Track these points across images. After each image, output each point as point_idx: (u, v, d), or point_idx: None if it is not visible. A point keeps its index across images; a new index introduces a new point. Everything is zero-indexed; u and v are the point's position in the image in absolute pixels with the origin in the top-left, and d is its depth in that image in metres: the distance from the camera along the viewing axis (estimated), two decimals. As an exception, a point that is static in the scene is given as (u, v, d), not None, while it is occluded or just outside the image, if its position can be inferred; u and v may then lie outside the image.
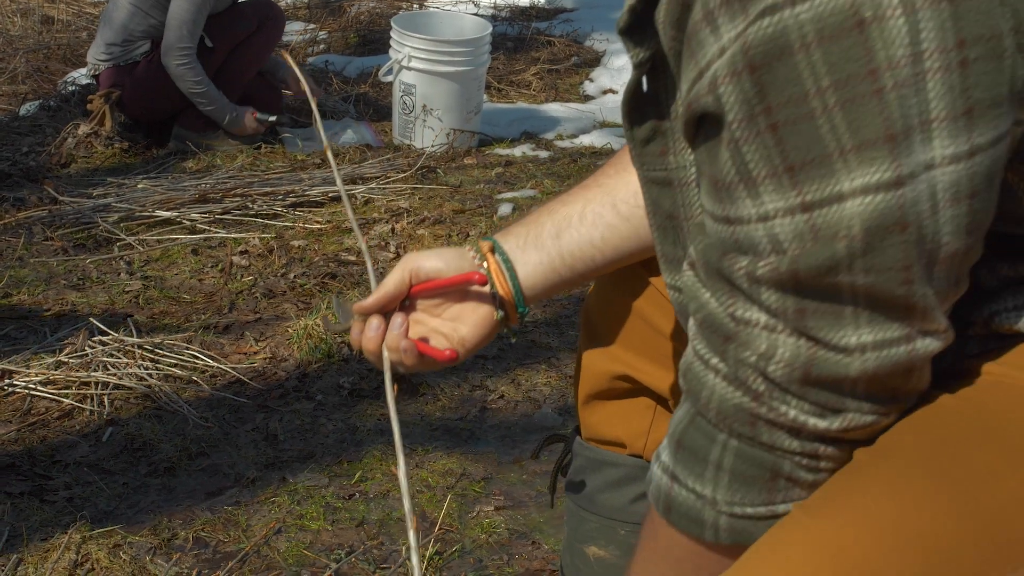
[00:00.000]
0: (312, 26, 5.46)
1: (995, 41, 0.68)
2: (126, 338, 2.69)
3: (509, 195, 3.73)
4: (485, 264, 1.21)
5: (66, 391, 2.51)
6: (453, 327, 1.22)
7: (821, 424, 0.78)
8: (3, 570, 1.92)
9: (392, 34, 4.08)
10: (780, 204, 0.73)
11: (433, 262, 1.21)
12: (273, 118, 4.07)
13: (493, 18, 5.50)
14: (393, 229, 3.45)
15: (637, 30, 0.81)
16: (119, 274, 3.17)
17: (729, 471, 0.83)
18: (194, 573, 1.93)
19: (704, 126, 0.75)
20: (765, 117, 0.71)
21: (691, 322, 0.83)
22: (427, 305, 1.23)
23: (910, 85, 0.68)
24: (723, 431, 0.83)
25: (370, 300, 1.22)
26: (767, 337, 0.77)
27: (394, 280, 1.21)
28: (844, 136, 0.69)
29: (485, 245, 1.22)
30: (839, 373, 0.75)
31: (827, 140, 0.70)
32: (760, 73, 0.70)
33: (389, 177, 3.83)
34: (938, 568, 0.73)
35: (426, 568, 1.92)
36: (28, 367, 2.59)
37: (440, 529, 2.05)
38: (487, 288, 1.20)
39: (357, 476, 2.25)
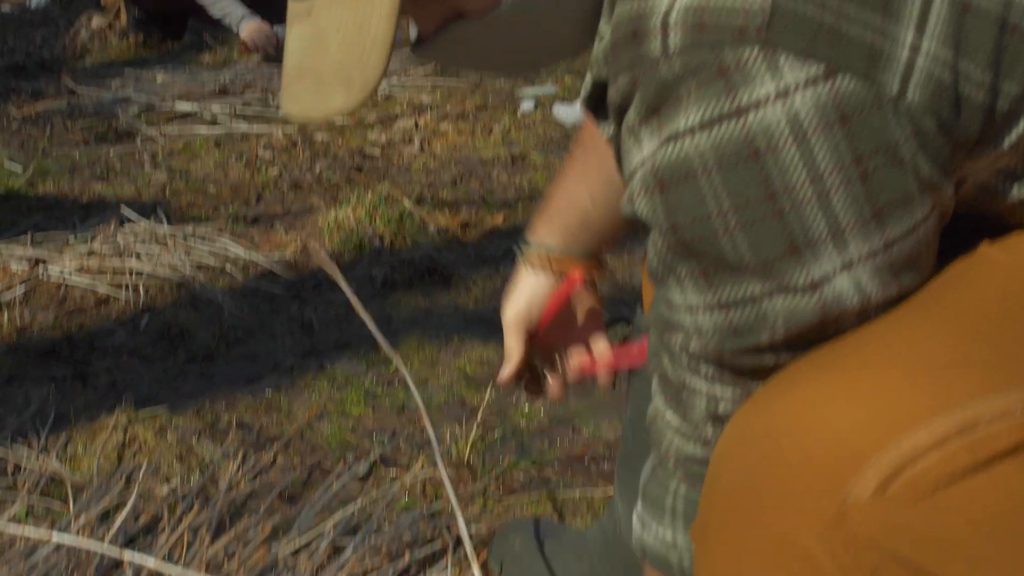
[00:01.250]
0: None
1: (892, 150, 0.70)
2: (157, 227, 2.69)
3: (531, 91, 3.70)
4: (551, 268, 1.25)
5: (100, 279, 2.52)
6: (588, 339, 1.27)
7: None
8: (53, 449, 1.95)
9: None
10: (700, 300, 0.77)
11: (523, 302, 1.26)
12: None
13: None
14: (416, 124, 3.44)
15: (601, 109, 0.86)
16: (143, 166, 3.16)
17: (683, 516, 0.89)
18: (240, 455, 1.95)
19: (638, 223, 0.80)
20: (673, 234, 0.76)
21: (654, 379, 0.89)
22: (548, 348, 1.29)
23: (812, 203, 0.71)
24: (675, 478, 0.89)
25: (507, 371, 1.28)
26: (709, 401, 0.82)
27: (514, 340, 1.26)
28: (747, 255, 0.73)
29: (534, 255, 1.26)
30: None
31: (731, 256, 0.74)
32: (668, 193, 0.74)
33: (409, 73, 3.80)
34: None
35: (469, 452, 1.95)
36: (61, 255, 2.59)
37: (481, 416, 2.07)
38: (583, 283, 1.24)
39: (394, 364, 2.26)
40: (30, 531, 1.45)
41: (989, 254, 0.74)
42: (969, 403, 0.66)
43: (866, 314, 0.73)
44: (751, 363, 0.76)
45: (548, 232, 1.27)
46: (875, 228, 0.71)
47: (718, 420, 0.81)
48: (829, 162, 0.70)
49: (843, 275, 0.71)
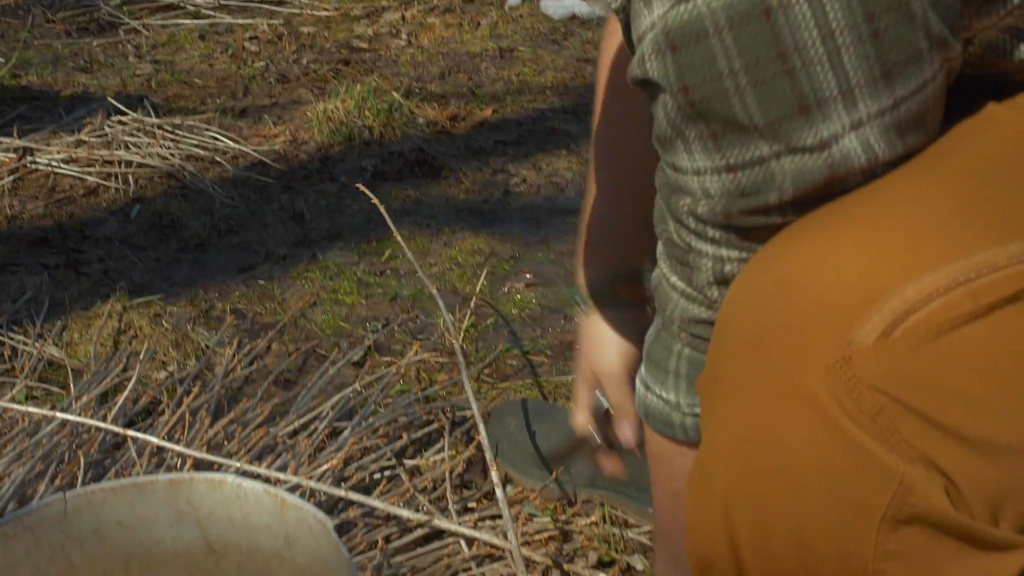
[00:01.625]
0: None
1: (904, 6, 0.70)
2: (145, 118, 2.67)
3: (519, -16, 3.66)
4: (624, 298, 1.22)
5: (89, 169, 2.51)
6: None
7: None
8: (50, 336, 1.96)
9: None
10: (708, 164, 0.77)
11: (614, 348, 1.22)
12: None
13: None
14: (403, 17, 3.40)
15: None
16: (127, 58, 3.12)
17: (685, 377, 0.91)
18: (235, 342, 1.97)
19: (646, 87, 0.80)
20: (684, 95, 0.75)
21: (659, 244, 0.89)
22: None
23: (823, 61, 0.71)
24: (679, 342, 0.90)
25: (581, 419, 1.27)
26: (715, 263, 0.82)
27: (623, 392, 1.21)
28: (756, 114, 0.73)
29: (599, 294, 1.24)
30: None
31: (741, 117, 0.74)
32: (679, 54, 0.74)
33: (395, -36, 3.74)
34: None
35: (462, 339, 1.97)
36: (48, 145, 2.58)
37: (473, 304, 2.09)
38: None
39: (387, 254, 2.28)
40: (33, 410, 1.47)
41: (996, 113, 0.75)
42: (973, 253, 0.67)
43: (872, 172, 0.74)
44: (759, 223, 0.77)
45: (601, 264, 1.24)
46: (884, 87, 0.72)
47: (724, 282, 0.82)
48: (841, 20, 0.70)
49: (851, 134, 0.72)
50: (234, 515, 1.01)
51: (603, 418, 1.27)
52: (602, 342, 1.24)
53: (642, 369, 0.96)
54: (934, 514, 0.66)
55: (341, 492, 1.45)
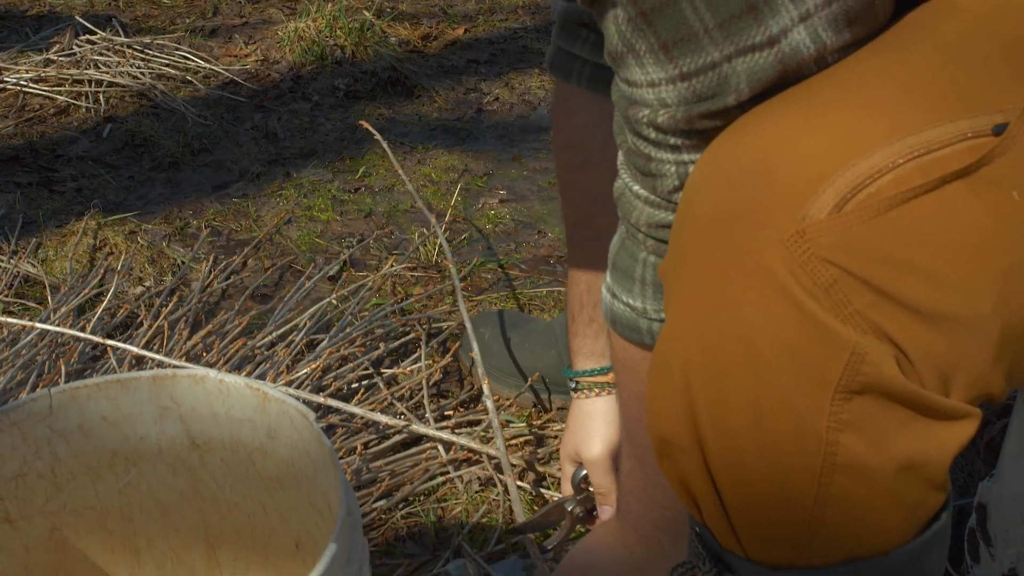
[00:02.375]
0: None
1: None
2: (114, 38, 2.65)
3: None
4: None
5: (59, 89, 2.49)
6: None
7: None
8: (24, 252, 1.96)
9: None
10: (662, 75, 0.78)
11: (605, 435, 1.27)
12: None
13: None
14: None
15: None
16: (95, -23, 3.08)
17: (651, 284, 0.93)
18: (211, 258, 1.98)
19: (595, 5, 0.80)
20: (634, 5, 0.76)
21: (619, 153, 0.90)
22: None
23: None
24: (644, 249, 0.92)
25: (565, 490, 1.31)
26: (679, 168, 0.84)
27: (608, 479, 1.27)
28: (706, 16, 0.74)
29: (591, 383, 1.29)
30: None
31: (692, 21, 0.74)
32: None
33: None
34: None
35: (436, 254, 1.99)
36: (16, 64, 2.55)
37: (448, 218, 2.11)
38: None
39: (360, 172, 2.28)
40: (12, 320, 1.48)
41: (957, 1, 0.76)
42: (924, 129, 0.68)
43: (824, 61, 0.75)
44: (721, 125, 0.78)
45: (589, 353, 1.29)
46: None
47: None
48: None
49: (799, 27, 0.73)
50: (217, 410, 1.03)
51: (583, 491, 1.32)
52: (589, 429, 1.29)
53: (607, 278, 0.98)
54: (885, 383, 0.67)
55: (320, 399, 1.48)
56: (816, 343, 0.68)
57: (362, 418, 1.52)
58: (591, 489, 1.31)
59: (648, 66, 0.79)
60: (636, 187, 0.88)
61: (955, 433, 0.70)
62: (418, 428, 1.51)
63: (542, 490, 1.46)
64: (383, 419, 1.50)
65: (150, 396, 1.03)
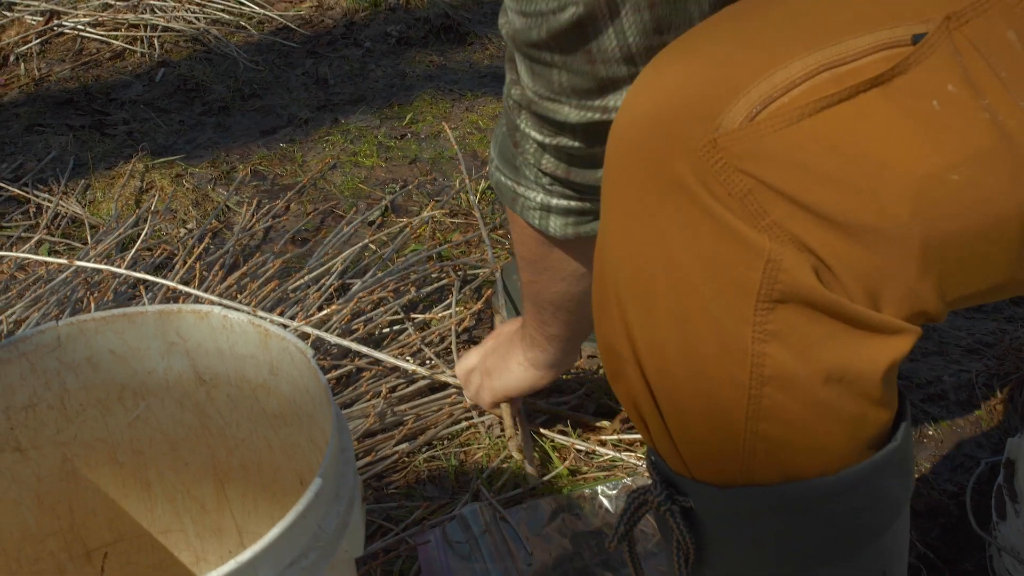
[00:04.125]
0: None
1: None
2: (171, -17, 2.66)
3: None
4: None
5: (115, 33, 2.52)
6: None
7: (540, 138, 1.00)
8: (73, 194, 2.00)
9: None
10: (514, 5, 0.88)
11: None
12: None
13: None
14: None
15: None
16: (157, -77, 3.10)
17: (499, 146, 1.11)
18: (255, 201, 1.99)
19: None
20: None
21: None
22: None
23: None
24: (503, 120, 1.07)
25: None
26: (518, 75, 0.96)
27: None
28: None
29: None
30: (554, 116, 0.95)
31: None
32: None
33: None
34: None
35: (478, 200, 1.98)
36: (75, 9, 2.58)
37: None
38: None
39: (408, 118, 2.28)
40: (47, 259, 1.50)
41: None
42: (840, 41, 0.67)
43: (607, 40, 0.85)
44: (535, 55, 0.89)
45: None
46: None
47: (512, 98, 0.99)
48: None
49: None
50: (221, 346, 1.03)
51: None
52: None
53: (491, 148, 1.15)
54: (805, 292, 0.66)
55: (346, 343, 1.48)
56: (732, 251, 0.67)
57: (389, 363, 1.52)
58: None
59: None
60: (507, 74, 1.01)
61: (887, 347, 0.68)
62: (442, 376, 1.51)
63: (561, 437, 1.46)
64: (404, 365, 1.50)
65: (156, 331, 1.04)
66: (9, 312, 1.54)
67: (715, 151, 0.66)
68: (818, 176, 0.66)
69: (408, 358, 1.56)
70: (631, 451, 1.43)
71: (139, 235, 1.85)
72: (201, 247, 1.74)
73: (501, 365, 1.36)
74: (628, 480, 1.35)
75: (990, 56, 0.66)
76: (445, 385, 1.54)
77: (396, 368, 1.54)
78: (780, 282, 0.66)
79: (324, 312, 1.56)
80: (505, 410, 1.45)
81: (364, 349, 1.48)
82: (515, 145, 1.05)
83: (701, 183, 0.67)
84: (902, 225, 0.65)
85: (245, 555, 0.77)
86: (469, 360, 1.42)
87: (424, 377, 1.52)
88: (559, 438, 1.45)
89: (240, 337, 1.02)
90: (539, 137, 1.00)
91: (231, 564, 0.75)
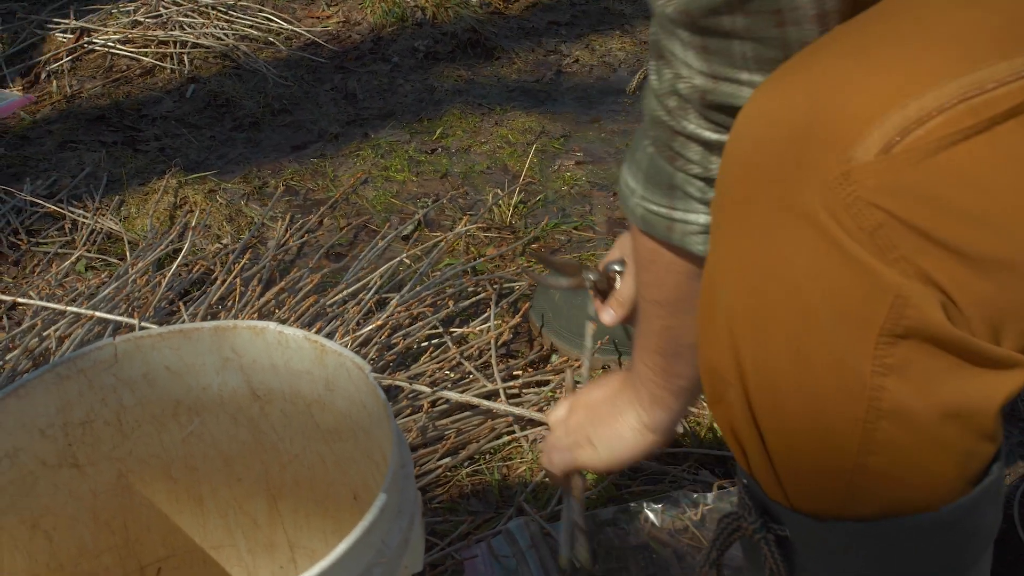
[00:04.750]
0: None
1: None
2: (199, -1, 2.68)
3: None
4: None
5: (145, 50, 2.53)
6: None
7: (714, 136, 0.85)
8: (108, 210, 2.01)
9: None
10: None
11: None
12: None
13: None
14: None
15: None
16: (183, -60, 3.12)
17: (644, 172, 0.94)
18: (288, 217, 2.00)
19: None
20: None
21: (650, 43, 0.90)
22: None
23: None
24: (647, 138, 0.92)
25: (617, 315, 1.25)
26: (677, 67, 0.83)
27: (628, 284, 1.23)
28: None
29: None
30: (733, 102, 0.82)
31: None
32: None
33: None
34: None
35: (511, 215, 1.98)
36: (105, 26, 2.60)
37: (523, 180, 2.10)
38: None
39: (438, 133, 2.29)
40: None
41: None
42: (976, 69, 0.66)
43: None
44: (713, 25, 0.78)
45: None
46: None
47: (677, 94, 0.84)
48: None
49: None
50: (276, 362, 1.04)
51: (608, 278, 1.29)
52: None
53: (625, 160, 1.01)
54: (931, 328, 0.66)
55: (448, 394, 1.48)
56: (859, 286, 0.66)
57: (430, 377, 1.53)
58: (617, 284, 1.27)
59: None
60: (652, 77, 0.89)
61: (1004, 381, 0.68)
62: (485, 403, 1.51)
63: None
64: (448, 395, 1.50)
65: (212, 347, 1.04)
66: (55, 327, 1.55)
67: (848, 183, 0.66)
68: (952, 210, 0.65)
69: (447, 371, 1.56)
70: (674, 464, 1.43)
71: (175, 251, 1.86)
72: (242, 262, 1.75)
73: (607, 433, 1.14)
74: (674, 494, 1.35)
75: None
76: (488, 397, 1.54)
77: (437, 382, 1.54)
78: (906, 317, 0.66)
79: (368, 329, 1.57)
80: (576, 486, 1.24)
81: (474, 400, 1.49)
82: (672, 160, 0.93)
83: (831, 215, 0.66)
84: None
85: (312, 571, 0.77)
86: (566, 418, 1.20)
87: (465, 391, 1.52)
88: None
89: (295, 353, 1.03)
90: (710, 136, 0.88)
91: (303, 580, 0.76)
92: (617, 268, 1.27)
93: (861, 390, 0.67)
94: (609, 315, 1.25)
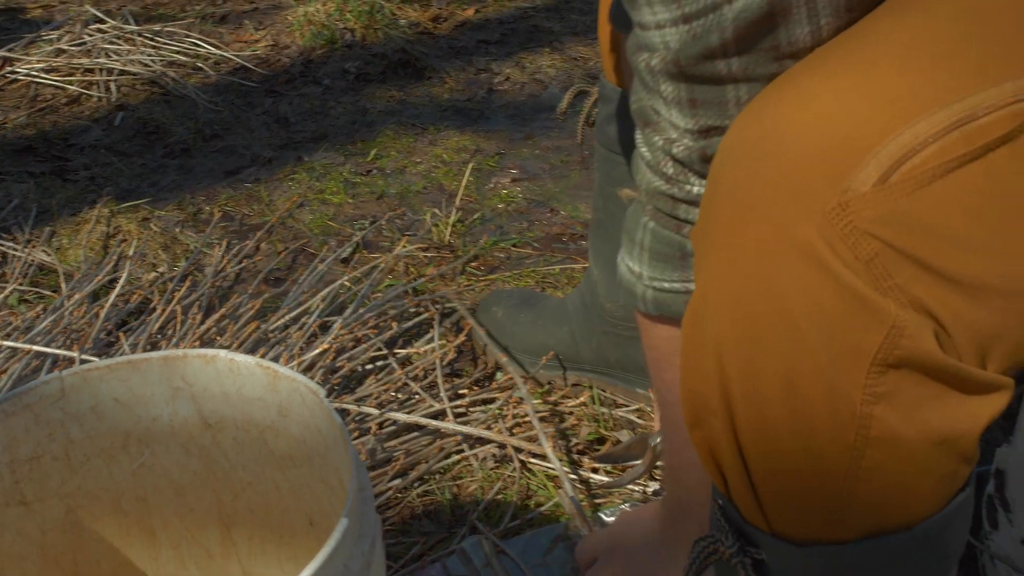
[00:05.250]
0: None
1: None
2: (124, 26, 2.65)
3: None
4: None
5: (70, 78, 2.50)
6: None
7: None
8: (39, 242, 1.97)
9: None
10: (667, 16, 0.77)
11: None
12: None
13: None
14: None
15: None
16: (104, -34, 3.08)
17: (648, 250, 0.92)
18: (224, 243, 1.98)
19: None
20: None
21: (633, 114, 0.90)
22: None
23: None
24: (645, 214, 0.91)
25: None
26: (668, 130, 0.83)
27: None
28: None
29: None
30: None
31: None
32: None
33: None
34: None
35: (449, 234, 1.98)
36: (28, 55, 2.56)
37: (460, 199, 2.10)
38: None
39: (372, 154, 2.28)
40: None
41: None
42: (969, 95, 0.66)
43: (795, 20, 0.74)
44: (705, 73, 0.77)
45: None
46: None
47: (674, 160, 0.84)
48: None
49: None
50: (228, 389, 1.03)
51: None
52: None
53: (623, 242, 0.98)
54: (923, 357, 0.66)
55: (415, 419, 1.48)
56: (854, 315, 0.66)
57: (376, 399, 1.52)
58: None
59: (656, 6, 0.78)
60: (643, 148, 0.88)
61: (987, 405, 0.69)
62: (433, 423, 1.51)
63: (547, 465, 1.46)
64: (399, 417, 1.50)
65: (161, 377, 1.03)
66: (-12, 364, 1.52)
67: (844, 214, 0.66)
68: (948, 238, 0.66)
69: (394, 392, 1.56)
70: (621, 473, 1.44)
71: (111, 281, 1.83)
72: (181, 291, 1.73)
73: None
74: (625, 506, 1.36)
75: None
76: (435, 416, 1.54)
77: (382, 405, 1.54)
78: (900, 348, 0.66)
79: (313, 353, 1.56)
80: None
81: (422, 420, 1.48)
82: (679, 228, 0.90)
83: (828, 246, 0.66)
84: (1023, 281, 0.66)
85: (279, 599, 0.77)
86: (602, 568, 1.19)
87: (411, 412, 1.52)
88: (552, 468, 1.46)
89: (247, 380, 1.02)
90: None
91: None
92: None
93: (851, 418, 0.68)
94: None
